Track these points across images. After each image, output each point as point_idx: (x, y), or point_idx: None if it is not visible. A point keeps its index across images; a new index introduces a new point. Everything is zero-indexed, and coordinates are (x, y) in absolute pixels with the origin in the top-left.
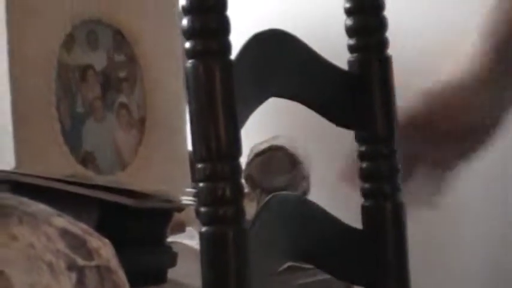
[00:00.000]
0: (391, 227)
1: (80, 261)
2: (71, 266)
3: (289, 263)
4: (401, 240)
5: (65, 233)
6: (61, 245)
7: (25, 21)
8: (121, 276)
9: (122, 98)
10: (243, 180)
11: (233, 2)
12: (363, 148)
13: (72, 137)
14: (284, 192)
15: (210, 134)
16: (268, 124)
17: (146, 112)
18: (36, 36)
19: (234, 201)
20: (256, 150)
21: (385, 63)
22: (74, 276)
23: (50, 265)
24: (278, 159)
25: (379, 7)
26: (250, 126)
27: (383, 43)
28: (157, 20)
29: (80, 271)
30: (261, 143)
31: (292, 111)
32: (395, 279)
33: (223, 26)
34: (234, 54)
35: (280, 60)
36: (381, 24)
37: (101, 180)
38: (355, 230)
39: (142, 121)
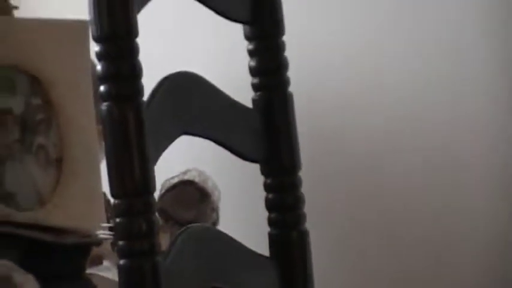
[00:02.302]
0: (297, 254)
1: None
2: None
3: None
4: (306, 266)
5: None
6: None
7: None
8: None
9: (40, 140)
10: (157, 214)
11: (145, 45)
12: (268, 180)
13: None
14: (195, 224)
15: (125, 172)
16: (179, 159)
17: (63, 152)
18: None
19: (148, 235)
20: (167, 185)
21: (287, 100)
22: None
23: None
24: (188, 193)
25: (281, 48)
26: (162, 161)
27: (285, 82)
28: (71, 66)
29: None
30: (172, 178)
31: (203, 146)
32: None
33: (135, 71)
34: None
35: (190, 100)
36: (282, 64)
37: (22, 217)
38: (262, 256)
39: (59, 160)
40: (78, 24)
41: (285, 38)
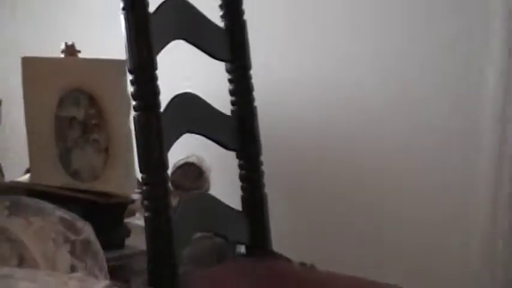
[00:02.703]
0: (259, 209)
1: (72, 236)
2: (66, 240)
3: (199, 234)
4: (264, 216)
5: (62, 220)
6: (60, 227)
7: (35, 91)
8: (97, 245)
9: (94, 136)
10: (169, 184)
11: (162, 73)
12: (241, 162)
13: (65, 161)
14: (194, 191)
15: (149, 156)
16: (184, 148)
17: (109, 144)
18: (42, 100)
19: (164, 197)
20: (177, 165)
21: (253, 111)
22: (68, 246)
23: (54, 240)
24: (190, 170)
25: (249, 78)
26: (173, 149)
27: (251, 100)
28: (114, 88)
29: (72, 243)
30: (180, 160)
31: (200, 140)
32: (260, 240)
33: (155, 92)
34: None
35: (191, 110)
36: (249, 88)
37: (83, 186)
38: (237, 211)
39: (106, 150)
40: (119, 62)
41: (263, 61)
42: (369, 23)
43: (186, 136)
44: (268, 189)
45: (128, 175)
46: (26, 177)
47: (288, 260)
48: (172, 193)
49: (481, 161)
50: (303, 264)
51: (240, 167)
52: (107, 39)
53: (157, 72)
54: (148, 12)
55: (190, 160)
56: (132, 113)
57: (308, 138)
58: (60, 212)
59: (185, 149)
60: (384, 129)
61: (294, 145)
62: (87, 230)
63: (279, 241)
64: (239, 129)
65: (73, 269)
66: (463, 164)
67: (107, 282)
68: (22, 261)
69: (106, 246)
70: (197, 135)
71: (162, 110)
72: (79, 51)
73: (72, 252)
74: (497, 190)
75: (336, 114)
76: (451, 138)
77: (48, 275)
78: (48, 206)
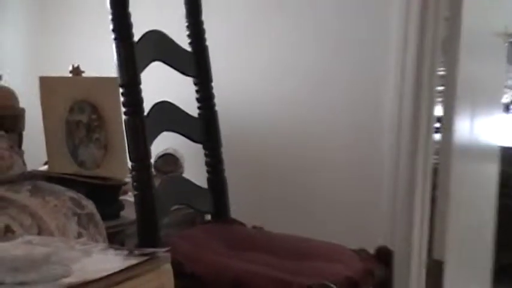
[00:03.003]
0: (219, 187)
1: (79, 211)
2: (74, 214)
3: (176, 206)
4: (224, 192)
5: (71, 199)
6: (70, 204)
7: (50, 102)
8: (98, 217)
9: (96, 135)
10: (153, 170)
11: (145, 87)
12: (206, 152)
13: (74, 154)
14: (171, 174)
15: (137, 149)
16: (163, 142)
17: (107, 142)
18: (55, 109)
19: (148, 180)
20: (158, 155)
21: (214, 114)
22: (75, 218)
23: (65, 214)
24: (169, 159)
25: (210, 88)
26: (154, 144)
27: (213, 105)
28: (110, 99)
29: (79, 216)
30: (161, 151)
31: (174, 136)
32: (221, 211)
33: (139, 101)
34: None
35: (167, 114)
36: (211, 96)
37: (87, 173)
38: (204, 188)
39: (105, 146)
40: (112, 79)
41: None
42: (302, 37)
43: (164, 133)
44: (227, 172)
45: (122, 164)
46: (44, 167)
47: (243, 224)
48: (155, 176)
49: (383, 163)
50: (254, 227)
51: (206, 156)
52: (103, 61)
53: (141, 86)
54: (134, 41)
55: (168, 151)
56: (123, 117)
57: (258, 133)
58: (70, 193)
59: (164, 143)
60: (315, 126)
61: (247, 138)
62: (90, 206)
63: (236, 211)
64: (204, 128)
65: (79, 235)
66: (367, 165)
67: (105, 244)
68: (40, 230)
69: (105, 218)
70: (173, 133)
71: (145, 114)
72: (83, 71)
73: (78, 223)
74: (396, 188)
75: (281, 114)
76: (358, 145)
77: (59, 240)
78: (60, 188)
